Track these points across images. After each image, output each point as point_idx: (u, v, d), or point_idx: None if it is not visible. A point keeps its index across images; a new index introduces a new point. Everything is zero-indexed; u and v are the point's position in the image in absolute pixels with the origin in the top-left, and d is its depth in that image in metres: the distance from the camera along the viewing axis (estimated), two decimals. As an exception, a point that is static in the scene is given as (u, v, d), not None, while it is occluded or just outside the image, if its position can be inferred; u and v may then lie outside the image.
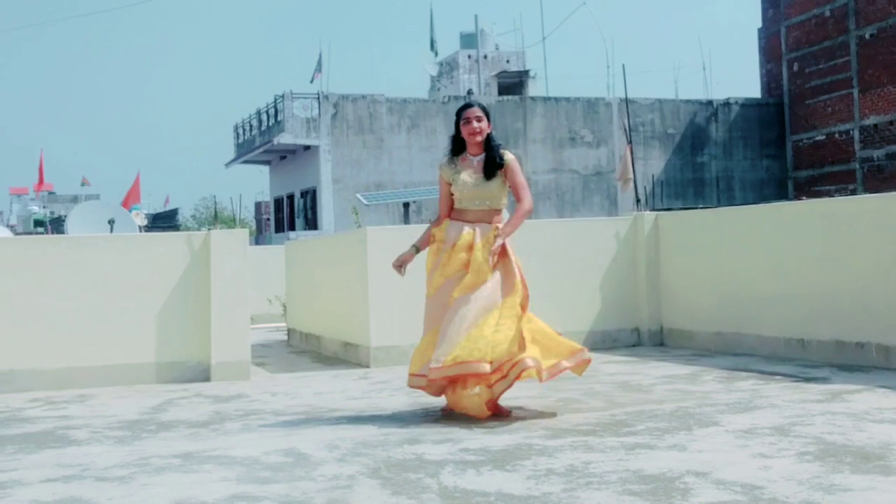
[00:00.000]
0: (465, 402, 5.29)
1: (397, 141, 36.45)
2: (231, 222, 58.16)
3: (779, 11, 41.40)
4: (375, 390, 6.79)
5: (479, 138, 5.60)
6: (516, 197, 5.66)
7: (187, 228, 51.14)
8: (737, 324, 8.20)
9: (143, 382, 7.52)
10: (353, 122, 36.43)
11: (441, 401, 5.62)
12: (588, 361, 5.47)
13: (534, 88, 43.33)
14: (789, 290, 7.68)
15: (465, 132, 5.60)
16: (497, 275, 5.41)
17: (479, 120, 5.58)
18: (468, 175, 5.57)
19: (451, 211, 5.69)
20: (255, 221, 59.00)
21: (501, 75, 43.53)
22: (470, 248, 5.45)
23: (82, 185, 61.42)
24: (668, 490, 3.60)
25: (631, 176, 27.63)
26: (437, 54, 44.48)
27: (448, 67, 46.53)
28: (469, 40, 45.04)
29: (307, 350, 10.42)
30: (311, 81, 38.98)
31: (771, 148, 41.63)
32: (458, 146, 5.69)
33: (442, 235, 5.59)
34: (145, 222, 28.51)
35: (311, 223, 37.30)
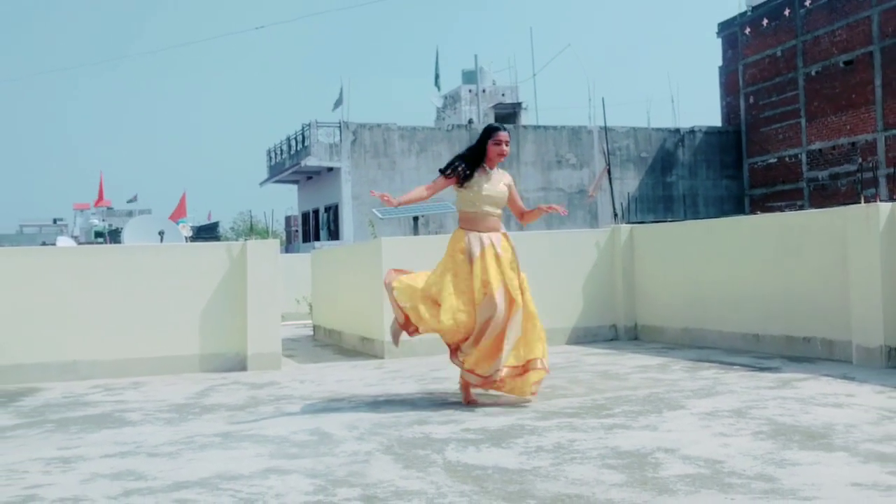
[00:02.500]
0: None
1: (408, 163, 36.45)
2: (264, 234, 58.14)
3: (737, 52, 41.45)
4: (389, 378, 6.79)
5: (504, 159, 5.56)
6: (518, 207, 5.66)
7: (227, 239, 51.13)
8: (701, 321, 8.19)
9: (188, 371, 7.53)
10: (369, 147, 36.46)
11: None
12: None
13: (526, 118, 43.40)
14: (746, 292, 7.67)
15: (495, 151, 5.46)
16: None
17: (507, 143, 5.53)
18: (488, 184, 5.44)
19: (464, 220, 5.46)
20: (285, 233, 59.02)
21: (498, 107, 43.57)
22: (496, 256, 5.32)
23: (128, 201, 61.38)
24: (641, 464, 3.60)
25: (597, 191, 27.60)
26: (440, 89, 44.49)
27: (451, 100, 46.58)
28: (470, 76, 45.13)
29: (330, 343, 10.42)
30: (333, 110, 39.05)
31: (730, 169, 41.62)
32: (476, 159, 5.48)
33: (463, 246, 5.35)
34: (190, 234, 28.49)
35: (334, 234, 37.30)
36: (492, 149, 5.46)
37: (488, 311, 5.15)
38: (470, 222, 5.42)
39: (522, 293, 5.29)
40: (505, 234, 5.47)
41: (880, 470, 3.37)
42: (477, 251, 5.27)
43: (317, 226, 40.81)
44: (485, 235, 5.35)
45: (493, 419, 4.79)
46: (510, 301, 5.18)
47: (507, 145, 5.51)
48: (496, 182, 5.48)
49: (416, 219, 19.06)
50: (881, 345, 6.22)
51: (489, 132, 5.52)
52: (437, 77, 43.88)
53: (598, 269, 9.10)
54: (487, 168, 5.49)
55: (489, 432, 4.42)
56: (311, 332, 11.96)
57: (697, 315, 8.24)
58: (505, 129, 5.62)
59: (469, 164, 5.46)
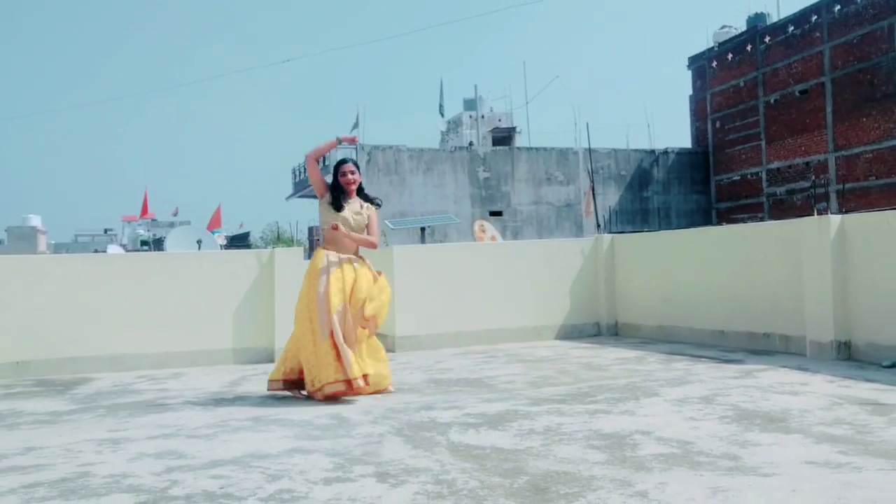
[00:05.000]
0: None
1: (416, 180, 36.47)
2: (290, 242, 58.20)
3: (705, 82, 41.48)
4: (399, 369, 6.78)
5: (353, 186, 5.45)
6: (370, 233, 5.44)
7: (257, 247, 51.17)
8: (673, 319, 8.19)
9: (223, 363, 7.53)
10: (382, 165, 36.49)
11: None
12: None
13: (519, 140, 43.42)
14: (713, 293, 7.67)
15: (343, 181, 5.41)
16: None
17: (352, 172, 5.43)
18: (349, 212, 5.37)
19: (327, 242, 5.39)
20: (308, 241, 58.98)
21: (495, 130, 43.62)
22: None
23: (174, 214, 61.47)
24: (621, 445, 3.61)
25: (592, 209, 27.81)
26: (443, 115, 44.54)
27: (454, 125, 46.67)
28: (470, 104, 45.24)
29: (347, 339, 10.39)
30: (350, 133, 39.15)
31: (699, 186, 41.59)
32: (339, 188, 5.42)
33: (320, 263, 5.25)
34: (224, 242, 28.54)
35: (351, 243, 37.28)
36: (341, 179, 5.43)
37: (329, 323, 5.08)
38: (330, 242, 5.39)
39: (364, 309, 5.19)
40: (361, 258, 5.40)
41: (831, 450, 3.37)
42: (328, 266, 5.20)
43: (336, 235, 40.80)
44: (343, 255, 5.30)
45: (491, 405, 4.79)
46: (343, 314, 5.12)
47: (352, 174, 5.42)
48: (354, 208, 5.41)
49: (423, 229, 19.09)
50: (832, 340, 6.21)
51: (336, 167, 5.48)
52: (441, 105, 43.96)
53: (583, 273, 9.11)
54: (348, 197, 5.45)
55: (487, 417, 4.42)
56: (331, 329, 11.93)
57: (670, 314, 8.24)
58: (349, 161, 5.52)
59: (335, 191, 5.42)
